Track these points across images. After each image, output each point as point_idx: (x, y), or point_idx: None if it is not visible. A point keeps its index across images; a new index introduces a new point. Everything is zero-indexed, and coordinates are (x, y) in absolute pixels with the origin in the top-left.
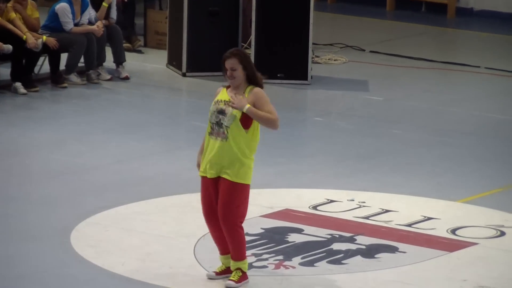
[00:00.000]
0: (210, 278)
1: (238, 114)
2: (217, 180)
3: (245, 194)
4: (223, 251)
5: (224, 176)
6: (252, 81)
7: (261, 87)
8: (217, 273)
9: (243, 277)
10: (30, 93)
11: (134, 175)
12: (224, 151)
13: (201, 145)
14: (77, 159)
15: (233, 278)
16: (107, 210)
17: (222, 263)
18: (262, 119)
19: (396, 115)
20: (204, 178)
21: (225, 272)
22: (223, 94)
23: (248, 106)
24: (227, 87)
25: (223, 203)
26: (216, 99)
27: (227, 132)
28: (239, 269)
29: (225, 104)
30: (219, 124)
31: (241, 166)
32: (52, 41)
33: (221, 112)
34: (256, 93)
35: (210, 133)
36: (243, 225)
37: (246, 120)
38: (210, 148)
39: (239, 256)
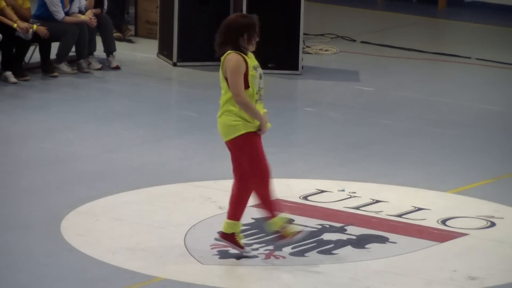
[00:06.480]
0: None
1: None
2: None
3: None
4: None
5: None
6: None
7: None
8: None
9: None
10: (20, 82)
11: (124, 164)
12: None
13: (255, 110)
14: (67, 148)
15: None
16: (97, 199)
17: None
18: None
19: (386, 106)
20: (259, 136)
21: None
22: (252, 59)
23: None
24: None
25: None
26: (252, 65)
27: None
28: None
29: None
30: (261, 89)
31: None
32: (42, 30)
33: (261, 77)
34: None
35: (258, 100)
36: None
37: None
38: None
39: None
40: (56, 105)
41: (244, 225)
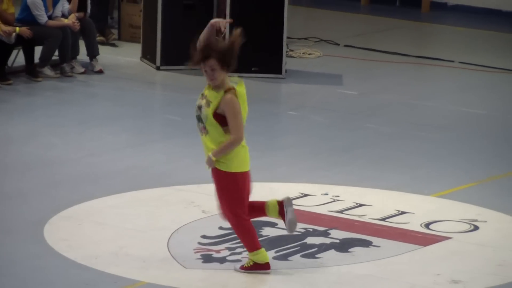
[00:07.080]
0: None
1: (210, 115)
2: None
3: (233, 181)
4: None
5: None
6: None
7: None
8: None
9: (254, 267)
10: (3, 86)
11: (107, 168)
12: (207, 144)
13: None
14: (50, 152)
15: (244, 264)
16: (80, 204)
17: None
18: (227, 151)
19: (370, 109)
20: None
21: None
22: (206, 89)
23: (214, 159)
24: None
25: (217, 195)
26: (201, 93)
27: (206, 127)
28: (251, 261)
29: (204, 98)
30: (199, 118)
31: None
32: (25, 31)
33: (200, 107)
34: (226, 103)
35: (198, 129)
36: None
37: (220, 118)
38: (202, 143)
39: (249, 247)
40: (39, 109)
41: (228, 229)
